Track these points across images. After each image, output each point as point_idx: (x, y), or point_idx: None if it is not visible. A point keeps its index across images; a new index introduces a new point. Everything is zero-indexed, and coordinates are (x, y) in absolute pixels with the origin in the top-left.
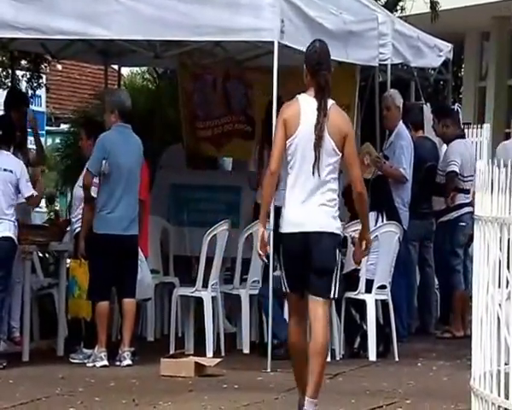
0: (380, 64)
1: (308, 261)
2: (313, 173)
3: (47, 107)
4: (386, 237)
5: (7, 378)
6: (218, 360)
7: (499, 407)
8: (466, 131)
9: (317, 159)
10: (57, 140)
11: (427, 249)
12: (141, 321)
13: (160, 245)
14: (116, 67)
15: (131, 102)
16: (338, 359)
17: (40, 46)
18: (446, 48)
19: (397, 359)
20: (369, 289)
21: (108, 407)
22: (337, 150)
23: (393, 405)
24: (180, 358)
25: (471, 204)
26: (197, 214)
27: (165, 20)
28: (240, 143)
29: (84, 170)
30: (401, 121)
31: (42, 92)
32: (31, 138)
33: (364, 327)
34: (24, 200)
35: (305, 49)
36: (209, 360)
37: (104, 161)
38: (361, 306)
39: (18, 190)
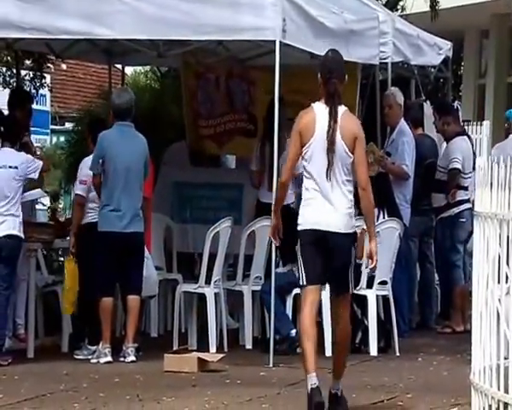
0: (380, 62)
1: (327, 259)
2: (327, 177)
3: (51, 106)
4: (387, 233)
5: (12, 375)
6: (221, 355)
7: (499, 401)
8: (466, 128)
9: (331, 163)
10: (62, 138)
11: (428, 245)
12: (144, 317)
13: (164, 242)
14: (120, 66)
15: (135, 100)
16: None
17: (45, 46)
18: (446, 46)
19: (398, 354)
20: (370, 285)
21: (112, 402)
22: (349, 153)
23: (394, 399)
24: (183, 354)
25: (470, 200)
26: (200, 212)
27: (167, 19)
28: (242, 141)
29: (82, 168)
30: (403, 119)
31: (46, 91)
32: (36, 137)
33: (365, 322)
34: (28, 197)
35: (306, 48)
36: (212, 355)
37: (101, 160)
38: (362, 301)
39: (23, 188)
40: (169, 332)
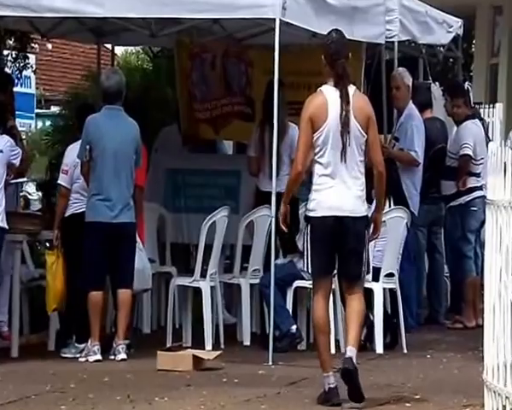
0: (386, 41)
1: (340, 245)
2: (341, 160)
3: (36, 88)
4: (394, 222)
5: None
6: (218, 352)
7: None
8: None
9: (345, 146)
10: (47, 123)
11: (437, 235)
12: (136, 312)
13: (157, 233)
14: (109, 46)
15: (126, 83)
16: (343, 351)
17: (29, 24)
18: (456, 23)
19: (405, 351)
20: (376, 278)
21: (102, 404)
22: (363, 132)
23: (402, 400)
24: (177, 351)
25: (483, 188)
26: (195, 200)
27: None
28: (240, 126)
29: (66, 156)
30: (411, 101)
31: (30, 73)
32: (20, 121)
33: (371, 317)
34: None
35: (307, 27)
36: (208, 352)
37: (88, 146)
38: (368, 295)
39: (7, 172)
40: (162, 328)
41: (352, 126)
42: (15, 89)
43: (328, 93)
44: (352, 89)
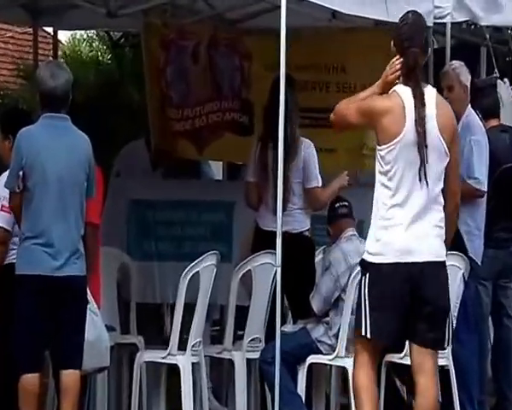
0: (436, 23)
1: (415, 301)
2: (420, 180)
3: None
4: None
5: None
6: None
7: None
8: None
9: (424, 162)
10: None
11: (506, 292)
12: (88, 399)
13: (118, 290)
14: (50, 29)
15: (73, 80)
16: None
17: None
18: None
19: None
20: None
21: None
22: (447, 151)
23: None
24: None
25: None
26: (170, 244)
27: None
28: (233, 141)
29: None
30: (469, 106)
31: None
32: None
33: (413, 403)
34: None
35: (325, 4)
36: None
37: (21, 172)
38: (409, 374)
39: None
40: None
41: (432, 138)
42: None
43: (405, 95)
44: (431, 90)
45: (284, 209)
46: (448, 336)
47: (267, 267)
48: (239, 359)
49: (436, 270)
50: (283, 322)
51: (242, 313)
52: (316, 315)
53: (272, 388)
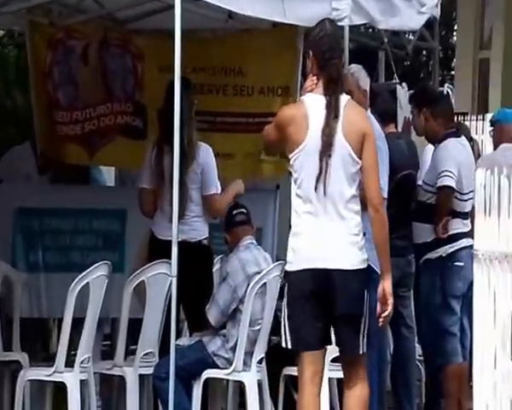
0: None
1: (327, 308)
2: (316, 189)
3: None
4: None
5: None
6: None
7: None
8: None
9: (322, 172)
10: None
11: (403, 301)
12: None
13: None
14: None
15: None
16: None
17: None
18: (431, 1)
19: None
20: None
21: None
22: (356, 157)
23: None
24: None
25: (471, 234)
26: (58, 254)
27: None
28: (125, 145)
29: None
30: (369, 110)
31: None
32: None
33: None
34: None
35: (222, 4)
36: None
37: None
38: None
39: None
40: None
41: (337, 147)
42: None
43: (311, 103)
44: (344, 99)
45: (181, 217)
46: (362, 343)
47: (162, 278)
48: (131, 375)
49: (345, 277)
50: (179, 335)
51: (135, 327)
52: (213, 327)
53: (166, 405)
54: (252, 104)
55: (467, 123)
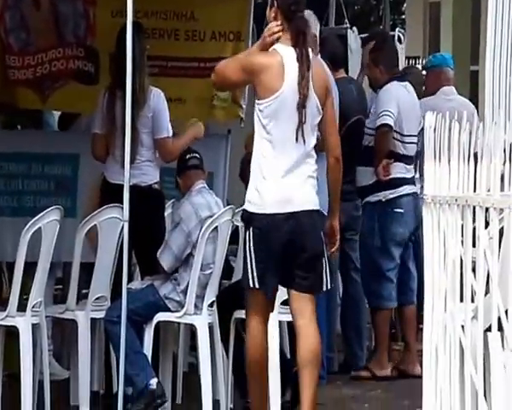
0: None
1: (293, 248)
2: (297, 139)
3: None
4: None
5: None
6: None
7: None
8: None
9: (302, 122)
10: None
11: (352, 244)
12: None
13: None
14: None
15: None
16: None
17: None
18: None
19: None
20: None
21: None
22: (320, 109)
23: None
24: None
25: (415, 181)
26: (9, 199)
27: None
28: (77, 90)
29: None
30: (319, 55)
31: None
32: None
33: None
34: None
35: None
36: None
37: None
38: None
39: None
40: None
41: (310, 99)
42: None
43: (285, 53)
44: (310, 51)
45: (132, 162)
46: (326, 280)
47: (114, 222)
48: (83, 319)
49: (310, 217)
50: (130, 279)
51: (87, 271)
52: (165, 272)
53: (117, 348)
54: (203, 49)
55: (418, 66)
